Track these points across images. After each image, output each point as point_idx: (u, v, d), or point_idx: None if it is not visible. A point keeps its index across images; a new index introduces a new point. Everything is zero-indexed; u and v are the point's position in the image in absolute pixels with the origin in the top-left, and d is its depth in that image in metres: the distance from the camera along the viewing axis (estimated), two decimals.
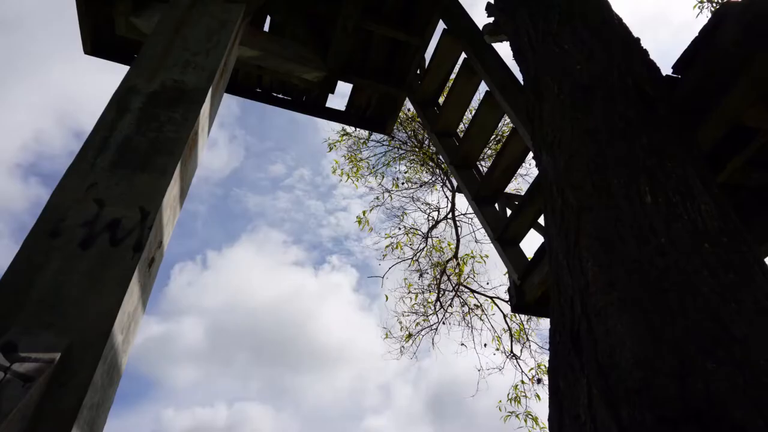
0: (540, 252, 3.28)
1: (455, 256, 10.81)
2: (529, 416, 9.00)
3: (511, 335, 9.97)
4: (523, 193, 5.14)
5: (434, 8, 4.64)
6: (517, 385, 9.41)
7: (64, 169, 2.43)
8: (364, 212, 11.41)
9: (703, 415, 0.90)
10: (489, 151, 9.51)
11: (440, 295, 10.85)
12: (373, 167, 11.72)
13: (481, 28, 4.20)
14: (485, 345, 10.15)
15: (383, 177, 11.71)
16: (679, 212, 1.32)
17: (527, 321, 9.76)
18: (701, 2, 7.09)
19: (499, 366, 9.94)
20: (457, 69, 4.61)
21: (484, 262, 10.53)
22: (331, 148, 11.61)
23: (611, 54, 1.99)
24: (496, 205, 4.30)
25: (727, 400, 0.90)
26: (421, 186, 11.65)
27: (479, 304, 10.51)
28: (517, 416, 9.06)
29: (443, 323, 10.72)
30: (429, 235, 11.29)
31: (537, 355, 9.58)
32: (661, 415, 0.93)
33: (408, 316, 10.94)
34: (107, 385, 2.01)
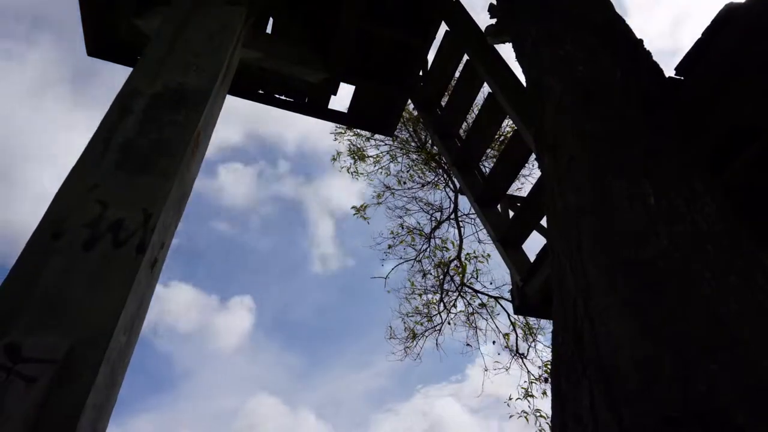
0: (542, 254, 3.28)
1: (458, 256, 10.81)
2: (539, 413, 9.01)
3: (516, 335, 9.98)
4: (525, 195, 5.13)
5: (436, 9, 4.64)
6: (524, 384, 9.42)
7: None
8: (363, 206, 11.41)
9: (704, 417, 0.90)
10: (491, 152, 9.51)
11: (444, 296, 10.85)
12: (376, 164, 11.73)
13: (483, 29, 4.21)
14: (493, 342, 10.16)
15: (387, 174, 11.72)
16: (681, 214, 1.31)
17: (536, 321, 9.77)
18: None
19: (505, 365, 9.95)
20: (460, 70, 4.62)
21: (487, 261, 10.52)
22: (336, 138, 11.62)
23: (614, 56, 1.99)
24: (499, 206, 4.29)
25: (729, 402, 0.90)
26: (423, 186, 11.66)
27: (484, 304, 10.51)
28: (526, 416, 9.06)
29: (448, 323, 10.72)
30: (432, 236, 11.30)
31: (543, 354, 9.58)
32: (663, 417, 0.92)
33: (412, 316, 10.95)
34: (110, 386, 2.02)
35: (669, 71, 2.10)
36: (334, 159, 11.79)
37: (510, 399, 9.39)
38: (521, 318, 9.82)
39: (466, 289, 10.75)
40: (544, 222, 3.87)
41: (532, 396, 9.27)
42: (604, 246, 1.33)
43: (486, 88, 4.18)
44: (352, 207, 11.52)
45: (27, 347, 1.81)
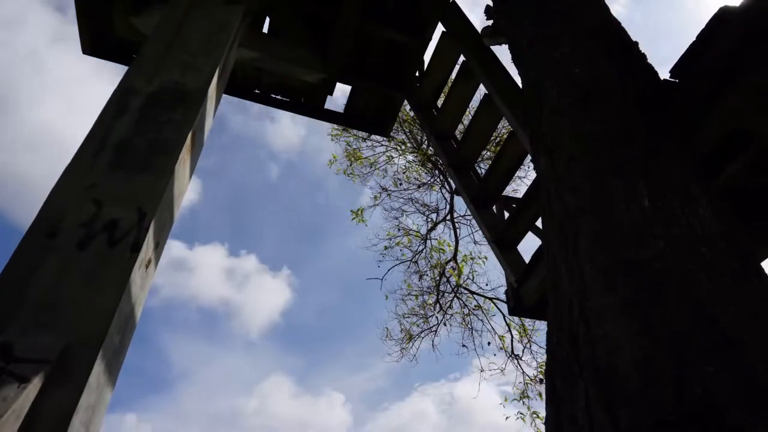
0: (537, 255, 3.28)
1: (454, 257, 10.82)
2: (536, 415, 9.03)
3: (512, 336, 10.00)
4: (520, 196, 5.14)
5: (433, 10, 4.65)
6: (519, 385, 9.44)
7: None
8: (361, 210, 11.41)
9: (701, 418, 0.90)
10: (487, 153, 9.53)
11: (440, 297, 10.86)
12: (372, 165, 11.74)
13: (480, 30, 4.21)
14: (489, 343, 10.19)
15: (383, 176, 11.73)
16: (677, 216, 1.32)
17: (531, 322, 9.79)
18: None
19: (500, 367, 9.97)
20: (456, 71, 4.62)
21: (483, 263, 10.54)
22: (332, 138, 11.63)
23: (610, 58, 1.99)
24: (494, 207, 4.30)
25: (726, 404, 0.90)
26: (419, 187, 11.68)
27: (479, 305, 10.52)
28: (522, 417, 9.08)
29: (444, 325, 10.73)
30: (428, 237, 11.31)
31: (538, 355, 9.60)
32: (660, 419, 0.93)
33: (408, 317, 10.95)
34: (104, 385, 2.01)
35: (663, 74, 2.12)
36: (330, 163, 11.79)
37: (506, 400, 9.42)
38: (516, 319, 9.84)
39: (462, 290, 10.77)
40: (539, 223, 3.87)
41: (527, 397, 9.29)
42: (603, 246, 1.33)
43: (482, 89, 4.19)
44: (351, 211, 11.51)
45: (20, 347, 1.80)
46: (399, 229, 11.43)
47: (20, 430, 1.64)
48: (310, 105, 5.32)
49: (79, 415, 1.80)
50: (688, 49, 2.03)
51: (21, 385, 1.67)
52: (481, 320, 10.43)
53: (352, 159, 11.68)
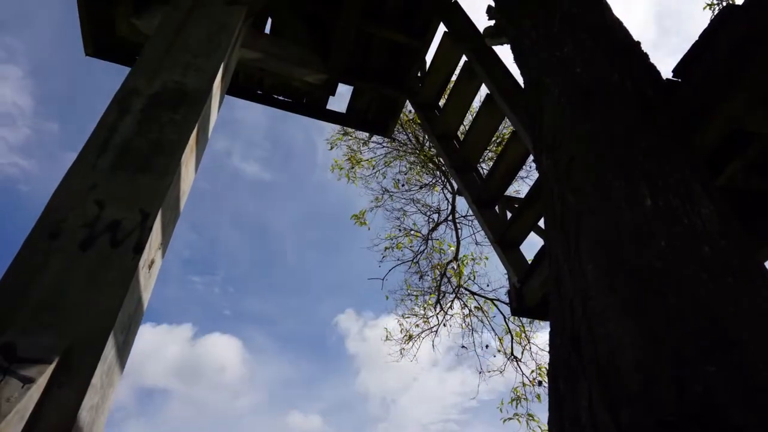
0: (540, 255, 3.28)
1: (455, 258, 10.81)
2: (531, 418, 9.01)
3: (512, 337, 9.98)
4: (523, 196, 5.14)
5: (435, 11, 4.65)
6: (517, 387, 9.42)
7: None
8: (362, 212, 11.40)
9: (701, 418, 0.90)
10: (489, 154, 9.52)
11: (440, 298, 10.85)
12: (374, 167, 11.72)
13: (481, 30, 4.21)
14: (487, 346, 10.18)
15: (384, 177, 11.72)
16: (679, 215, 1.32)
17: (530, 323, 9.77)
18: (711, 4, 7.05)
19: (500, 368, 9.95)
20: (458, 72, 4.62)
21: (485, 263, 10.53)
22: (332, 147, 11.61)
23: (611, 58, 1.99)
24: (497, 207, 4.30)
25: (727, 404, 0.91)
26: (421, 188, 11.67)
27: (480, 306, 10.51)
28: (518, 418, 9.06)
29: (444, 325, 10.73)
30: (429, 237, 11.30)
31: (537, 357, 9.59)
32: (661, 419, 0.93)
33: (408, 318, 10.95)
34: (107, 386, 2.01)
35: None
36: (332, 168, 11.77)
37: (501, 403, 9.40)
38: (516, 320, 9.83)
39: (463, 290, 10.76)
40: (541, 223, 3.87)
41: (525, 399, 9.27)
42: (604, 246, 1.33)
43: (484, 90, 4.19)
44: (352, 216, 11.48)
45: (23, 347, 1.81)
46: (400, 230, 11.43)
47: (24, 430, 1.64)
48: (312, 105, 5.33)
49: (83, 416, 1.81)
50: (690, 48, 2.04)
51: (25, 385, 1.68)
52: (482, 321, 10.43)
53: (353, 162, 11.67)
